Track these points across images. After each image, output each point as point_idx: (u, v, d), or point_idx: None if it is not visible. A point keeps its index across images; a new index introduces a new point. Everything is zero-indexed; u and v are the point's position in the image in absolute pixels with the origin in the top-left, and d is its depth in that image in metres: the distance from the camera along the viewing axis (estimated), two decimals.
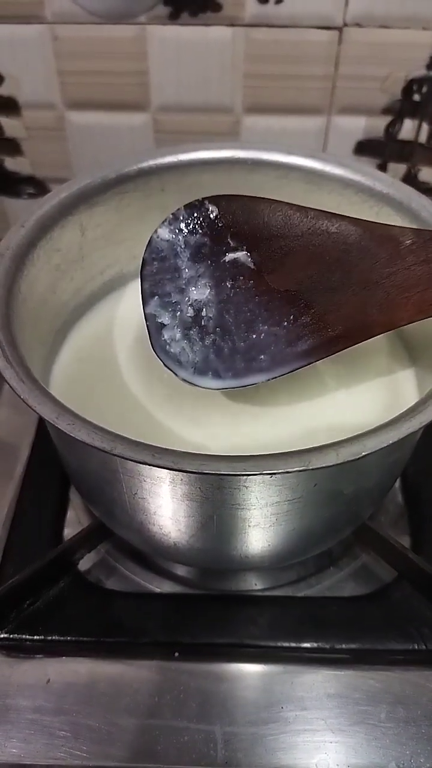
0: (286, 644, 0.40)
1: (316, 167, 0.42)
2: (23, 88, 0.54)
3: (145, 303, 0.35)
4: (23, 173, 0.60)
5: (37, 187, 0.61)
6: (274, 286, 0.34)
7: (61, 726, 0.38)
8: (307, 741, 0.37)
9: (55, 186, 0.59)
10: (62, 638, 0.40)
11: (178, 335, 0.34)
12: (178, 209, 0.35)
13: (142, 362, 0.41)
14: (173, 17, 0.49)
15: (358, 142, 0.56)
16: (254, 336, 0.34)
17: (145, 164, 0.42)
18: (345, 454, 0.27)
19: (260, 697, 0.39)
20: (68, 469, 0.40)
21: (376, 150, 0.57)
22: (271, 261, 0.34)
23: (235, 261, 0.34)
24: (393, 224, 0.35)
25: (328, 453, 0.27)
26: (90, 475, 0.37)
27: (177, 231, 0.34)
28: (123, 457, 0.27)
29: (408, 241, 0.33)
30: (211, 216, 0.34)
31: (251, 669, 0.40)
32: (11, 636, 0.40)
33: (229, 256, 0.34)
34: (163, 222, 0.35)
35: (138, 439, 0.27)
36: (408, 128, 0.55)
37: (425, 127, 0.55)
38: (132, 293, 0.45)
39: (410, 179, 0.58)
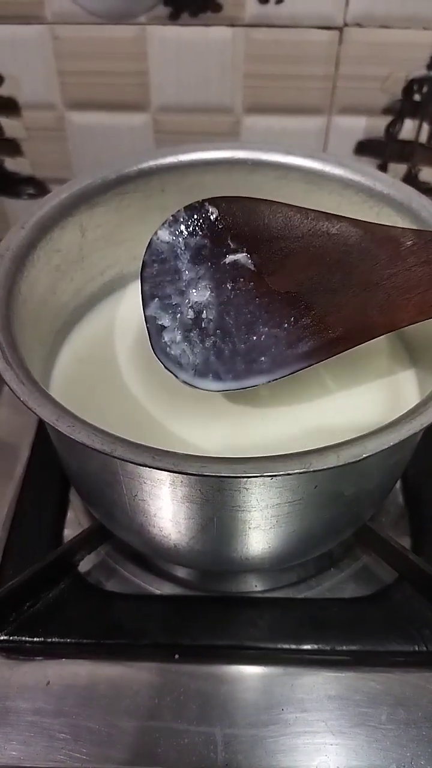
0: (286, 646, 0.40)
1: (316, 167, 0.42)
2: (23, 88, 0.54)
3: (145, 305, 0.34)
4: (23, 174, 0.60)
5: (37, 187, 0.61)
6: (275, 288, 0.34)
7: (60, 728, 0.37)
8: (307, 743, 0.37)
9: (55, 186, 0.59)
10: (62, 640, 0.40)
11: (179, 337, 0.34)
12: (178, 211, 0.34)
13: (142, 363, 0.40)
14: (173, 17, 0.49)
15: (358, 142, 0.56)
16: (255, 338, 0.33)
17: (145, 165, 0.42)
18: (346, 456, 0.27)
19: (260, 699, 0.39)
20: (68, 470, 0.40)
21: (377, 150, 0.57)
22: (272, 263, 0.34)
23: (235, 263, 0.34)
24: (393, 225, 0.35)
25: (328, 455, 0.27)
26: (90, 477, 0.36)
27: (177, 233, 0.34)
28: (123, 460, 0.27)
29: (409, 243, 0.33)
30: (211, 218, 0.34)
31: (251, 671, 0.40)
32: (11, 638, 0.40)
33: (230, 258, 0.34)
34: (163, 224, 0.35)
35: (138, 441, 0.27)
36: (408, 128, 0.55)
37: (426, 127, 0.54)
38: (132, 294, 0.45)
39: (411, 179, 0.58)
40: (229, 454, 0.32)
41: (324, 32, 0.49)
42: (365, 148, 0.56)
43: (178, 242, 0.34)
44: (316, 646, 0.40)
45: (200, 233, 0.34)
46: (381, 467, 0.35)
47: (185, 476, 0.29)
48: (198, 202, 0.35)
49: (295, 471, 0.26)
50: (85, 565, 0.44)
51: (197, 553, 0.37)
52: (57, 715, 0.38)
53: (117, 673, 0.40)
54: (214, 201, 0.34)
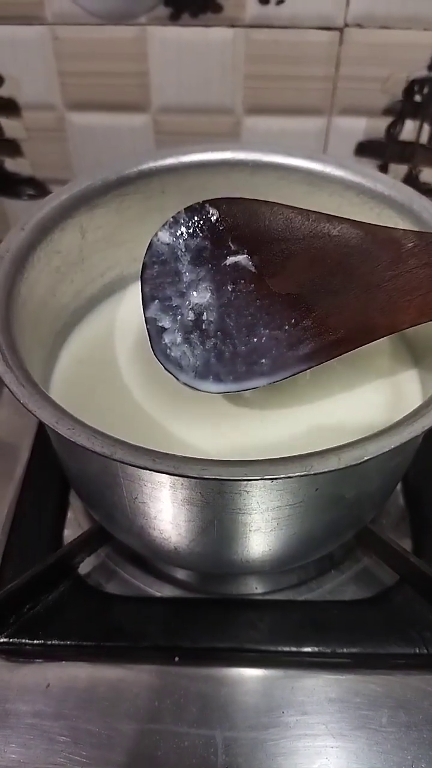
0: (286, 648, 0.40)
1: (317, 169, 0.42)
2: (23, 89, 0.54)
3: (145, 307, 0.34)
4: (23, 174, 0.60)
5: (38, 188, 0.61)
6: (275, 290, 0.34)
7: (60, 731, 0.37)
8: (307, 746, 0.37)
9: (55, 187, 0.59)
10: (62, 642, 0.40)
11: (179, 339, 0.34)
12: (179, 212, 0.34)
13: (142, 364, 0.40)
14: (174, 18, 0.49)
15: (358, 143, 0.56)
16: (255, 340, 0.33)
17: (145, 166, 0.42)
18: (347, 458, 0.27)
19: (261, 701, 0.39)
20: (68, 472, 0.40)
21: (377, 151, 0.56)
22: (272, 264, 0.34)
23: (236, 264, 0.34)
24: (395, 227, 0.35)
25: (329, 458, 0.27)
26: (90, 479, 0.36)
27: (177, 234, 0.34)
28: (123, 462, 0.26)
29: (410, 244, 0.33)
30: (212, 219, 0.34)
31: (252, 673, 0.40)
32: (11, 640, 0.40)
33: (230, 260, 0.34)
34: (163, 225, 0.34)
35: (138, 442, 0.27)
36: (409, 129, 0.55)
37: (426, 128, 0.54)
38: (132, 296, 0.45)
39: (411, 180, 0.58)
40: (229, 455, 0.32)
41: (324, 33, 0.49)
42: (366, 149, 0.56)
43: (179, 244, 0.34)
44: (316, 649, 0.40)
45: (201, 235, 0.34)
46: (382, 470, 0.35)
47: (186, 479, 0.28)
48: (198, 203, 0.34)
49: (296, 474, 0.26)
50: (85, 567, 0.44)
51: (197, 555, 0.37)
52: (57, 717, 0.38)
53: (117, 676, 0.40)
54: (214, 202, 0.34)
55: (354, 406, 0.39)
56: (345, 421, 0.38)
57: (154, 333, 0.34)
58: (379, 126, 0.55)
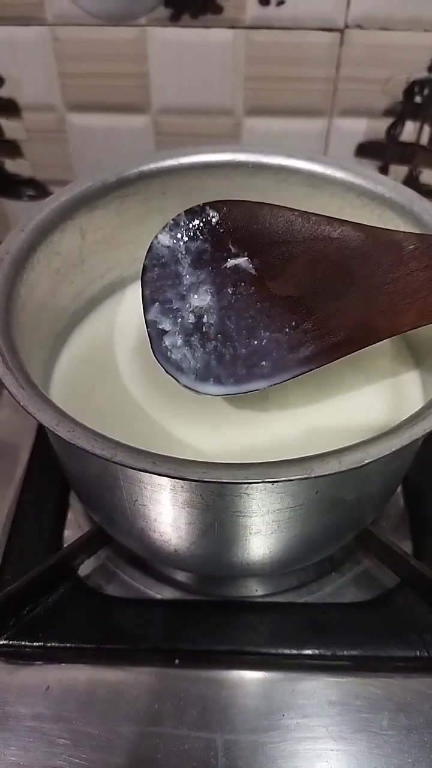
0: (286, 651, 0.40)
1: (318, 170, 0.42)
2: (23, 89, 0.54)
3: (146, 309, 0.34)
4: (24, 175, 0.60)
5: (38, 189, 0.61)
6: (276, 292, 0.34)
7: (60, 733, 0.37)
8: (308, 749, 0.37)
9: (55, 188, 0.59)
10: (62, 645, 0.40)
11: (180, 342, 0.34)
12: (179, 215, 0.34)
13: (142, 365, 0.40)
14: (174, 19, 0.49)
15: (359, 144, 0.56)
16: (256, 342, 0.33)
17: (145, 167, 0.42)
18: (347, 461, 0.27)
19: (261, 704, 0.38)
20: (68, 474, 0.40)
21: (378, 152, 0.56)
22: (273, 267, 0.34)
23: (236, 267, 0.34)
24: (395, 229, 0.35)
25: (330, 461, 0.27)
26: (90, 481, 0.36)
27: (177, 237, 0.34)
28: (123, 465, 0.26)
29: (411, 247, 0.33)
30: (212, 222, 0.34)
31: (252, 676, 0.40)
32: (10, 642, 0.40)
33: (231, 262, 0.34)
34: (163, 228, 0.34)
35: (138, 443, 0.27)
36: (409, 130, 0.55)
37: (427, 129, 0.54)
38: (132, 297, 0.45)
39: (412, 181, 0.58)
40: (229, 456, 0.32)
41: (325, 34, 0.49)
42: (366, 150, 0.56)
43: (179, 246, 0.34)
44: (316, 651, 0.40)
45: (201, 237, 0.34)
46: (383, 472, 0.35)
47: (186, 482, 0.28)
48: (199, 206, 0.34)
49: (297, 477, 0.26)
50: (84, 569, 0.44)
51: (198, 557, 0.37)
52: (56, 720, 0.38)
53: (117, 678, 0.39)
54: (214, 205, 0.34)
55: (354, 408, 0.38)
56: (345, 422, 0.38)
57: (155, 336, 0.34)
58: (379, 127, 0.55)
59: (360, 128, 0.55)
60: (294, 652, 0.40)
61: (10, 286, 0.35)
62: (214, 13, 0.49)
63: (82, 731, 0.37)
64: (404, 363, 0.42)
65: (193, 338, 0.34)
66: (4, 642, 0.40)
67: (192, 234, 0.34)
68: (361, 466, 0.27)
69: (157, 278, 0.34)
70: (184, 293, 0.34)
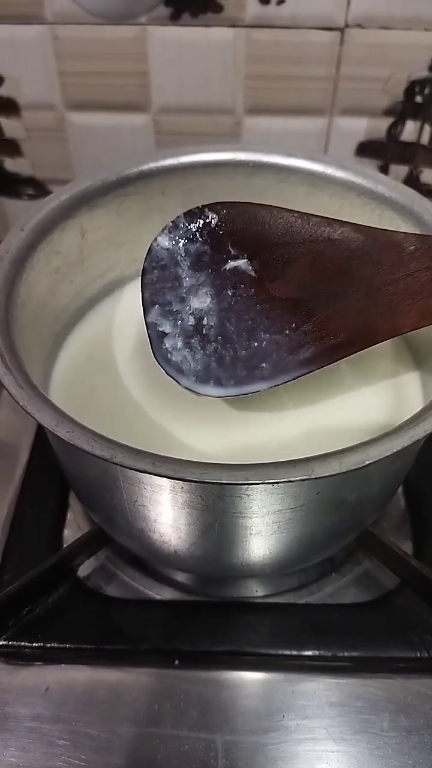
0: (287, 652, 0.40)
1: (318, 170, 0.41)
2: (23, 88, 0.54)
3: (146, 312, 0.34)
4: (23, 174, 0.60)
5: (38, 188, 0.61)
6: (276, 294, 0.34)
7: (60, 734, 0.37)
8: (308, 750, 0.37)
9: (55, 187, 0.59)
10: (61, 645, 0.40)
11: (180, 344, 0.33)
12: (178, 217, 0.34)
13: (142, 365, 0.40)
14: (174, 18, 0.49)
15: (359, 144, 0.56)
16: (256, 344, 0.33)
17: (145, 167, 0.41)
18: (348, 462, 0.26)
19: (261, 705, 0.38)
20: (67, 474, 0.40)
21: (378, 151, 0.56)
22: (273, 268, 0.34)
23: (236, 269, 0.34)
24: (395, 229, 0.34)
25: (331, 462, 0.26)
26: (90, 482, 0.36)
27: (177, 239, 0.34)
28: (123, 466, 0.26)
29: (411, 248, 0.33)
30: (212, 223, 0.34)
31: (252, 677, 0.40)
32: (10, 643, 0.40)
33: (230, 264, 0.34)
34: (163, 230, 0.34)
35: (137, 443, 0.27)
36: (410, 130, 0.54)
37: (427, 128, 0.54)
38: (132, 296, 0.45)
39: (412, 181, 0.58)
40: (229, 457, 0.32)
41: (325, 33, 0.49)
42: (366, 149, 0.56)
43: (179, 248, 0.34)
44: (317, 652, 0.40)
45: (200, 239, 0.34)
46: (384, 473, 0.35)
47: (186, 482, 0.28)
48: (198, 207, 0.34)
49: (298, 478, 0.26)
50: (84, 570, 0.44)
51: (198, 558, 0.37)
52: (56, 721, 0.38)
53: (116, 679, 0.39)
54: (214, 207, 0.34)
55: (355, 409, 0.38)
56: (346, 423, 0.37)
57: (155, 338, 0.34)
58: (380, 126, 0.54)
59: (360, 127, 0.55)
60: (294, 653, 0.40)
61: (10, 286, 0.35)
62: (214, 11, 0.48)
63: (81, 732, 0.37)
64: (404, 364, 0.41)
65: (193, 340, 0.34)
66: (4, 642, 0.40)
67: (191, 236, 0.34)
68: (363, 467, 0.26)
69: (157, 280, 0.34)
70: (184, 295, 0.34)
